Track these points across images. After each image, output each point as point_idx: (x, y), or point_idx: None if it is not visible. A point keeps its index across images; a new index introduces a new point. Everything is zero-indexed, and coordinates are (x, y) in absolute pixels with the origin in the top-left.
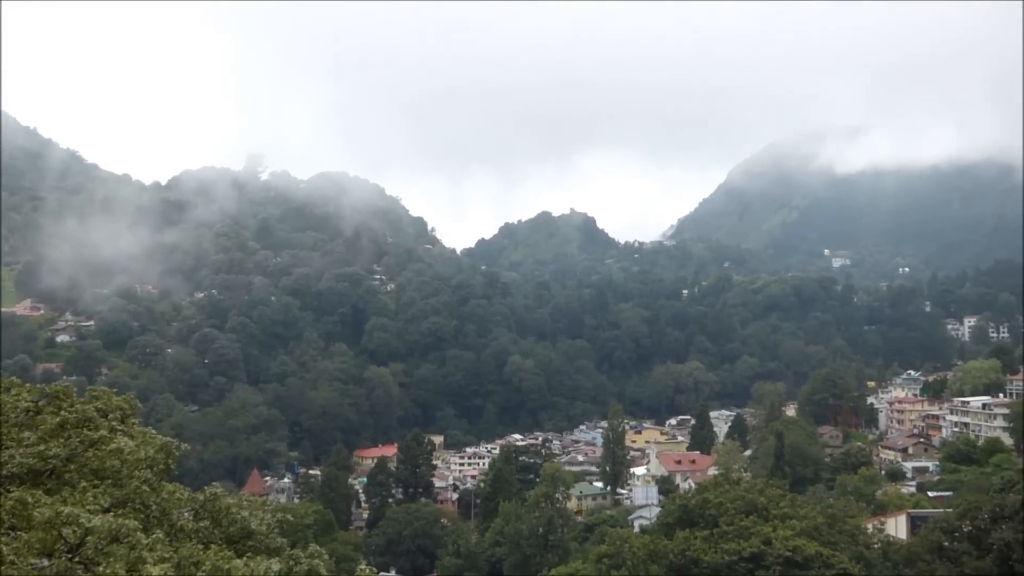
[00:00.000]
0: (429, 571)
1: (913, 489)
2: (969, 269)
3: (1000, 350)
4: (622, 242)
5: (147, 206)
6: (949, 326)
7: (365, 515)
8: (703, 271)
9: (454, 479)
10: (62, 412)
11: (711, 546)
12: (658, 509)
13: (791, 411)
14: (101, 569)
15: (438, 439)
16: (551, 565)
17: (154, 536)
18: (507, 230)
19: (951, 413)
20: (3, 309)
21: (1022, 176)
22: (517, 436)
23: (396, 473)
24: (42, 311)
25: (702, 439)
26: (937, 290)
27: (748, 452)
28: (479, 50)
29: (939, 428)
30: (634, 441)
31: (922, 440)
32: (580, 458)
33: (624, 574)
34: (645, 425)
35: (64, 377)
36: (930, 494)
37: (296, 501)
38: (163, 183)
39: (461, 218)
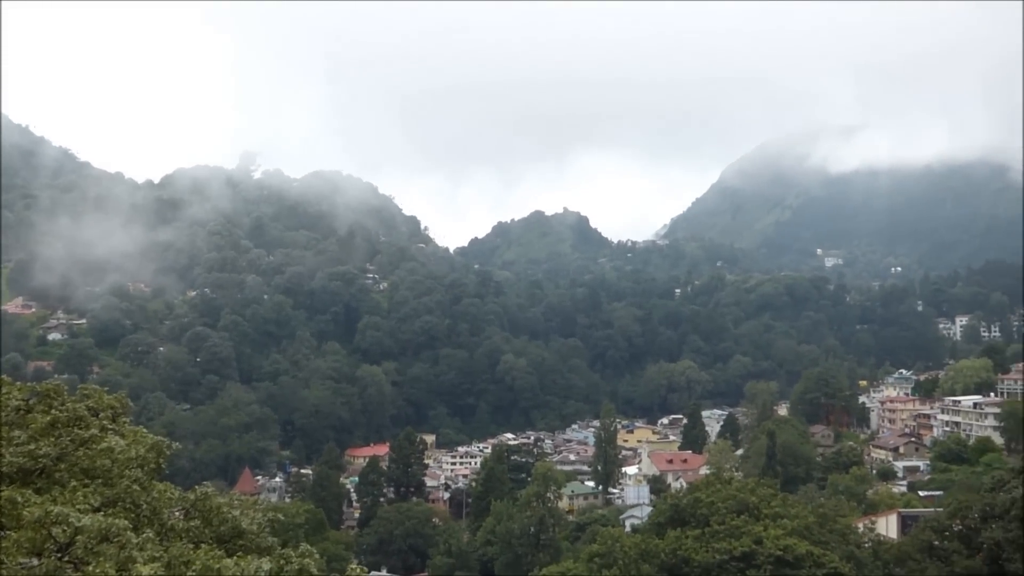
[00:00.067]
0: (420, 570)
1: (904, 488)
2: (961, 269)
3: (991, 349)
4: (615, 241)
5: (140, 204)
6: (941, 325)
7: (357, 514)
8: (696, 270)
9: (446, 478)
10: (53, 411)
11: (702, 545)
12: (649, 508)
13: (783, 410)
14: (91, 568)
15: (430, 438)
16: (542, 564)
17: (144, 535)
18: (500, 229)
19: (942, 412)
20: None
21: (1016, 176)
22: (509, 435)
23: (388, 472)
24: (34, 309)
25: (694, 438)
26: (929, 289)
27: (740, 451)
28: (475, 49)
29: (930, 427)
30: (626, 440)
31: (913, 439)
32: (572, 457)
33: (615, 573)
34: (637, 424)
35: (56, 375)
36: (921, 493)
37: (287, 500)
38: (156, 181)
39: (458, 217)
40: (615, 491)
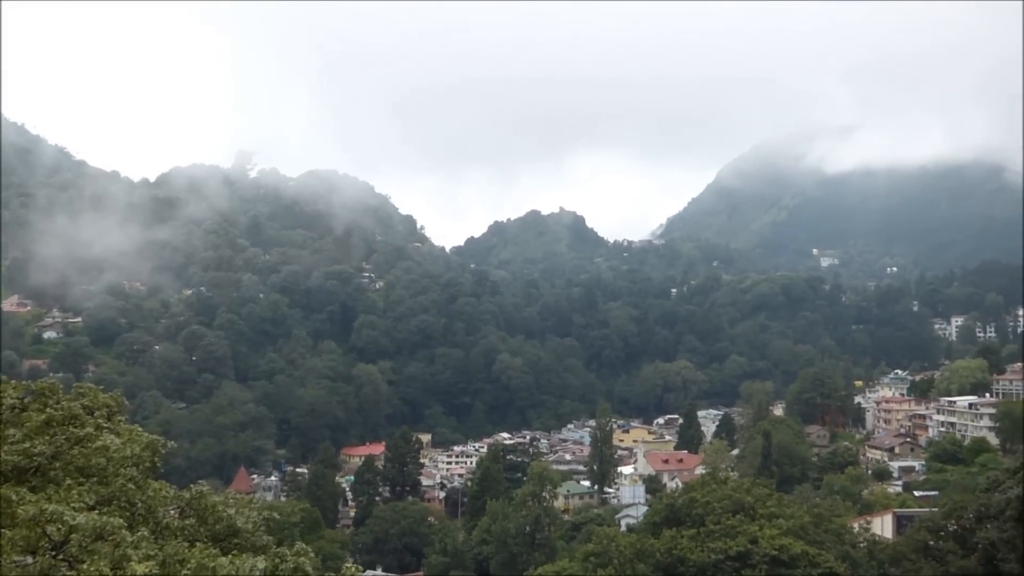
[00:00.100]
0: (416, 569)
1: (899, 488)
2: (957, 269)
3: (987, 350)
4: (611, 241)
5: (137, 203)
6: (936, 326)
7: (352, 513)
8: (692, 270)
9: (441, 477)
10: (48, 409)
11: (698, 545)
12: (645, 508)
13: (779, 410)
14: (85, 567)
15: (426, 437)
16: (538, 564)
17: (139, 534)
18: (496, 228)
19: (938, 413)
20: None
21: (1011, 176)
22: (505, 435)
23: (383, 471)
24: (29, 307)
25: (690, 438)
26: (925, 290)
27: (736, 451)
28: (472, 49)
29: (926, 428)
30: (622, 440)
31: (909, 440)
32: (568, 457)
33: (611, 573)
34: (633, 424)
35: (51, 374)
36: (916, 494)
37: (283, 499)
38: (152, 180)
39: (455, 217)
40: (611, 491)
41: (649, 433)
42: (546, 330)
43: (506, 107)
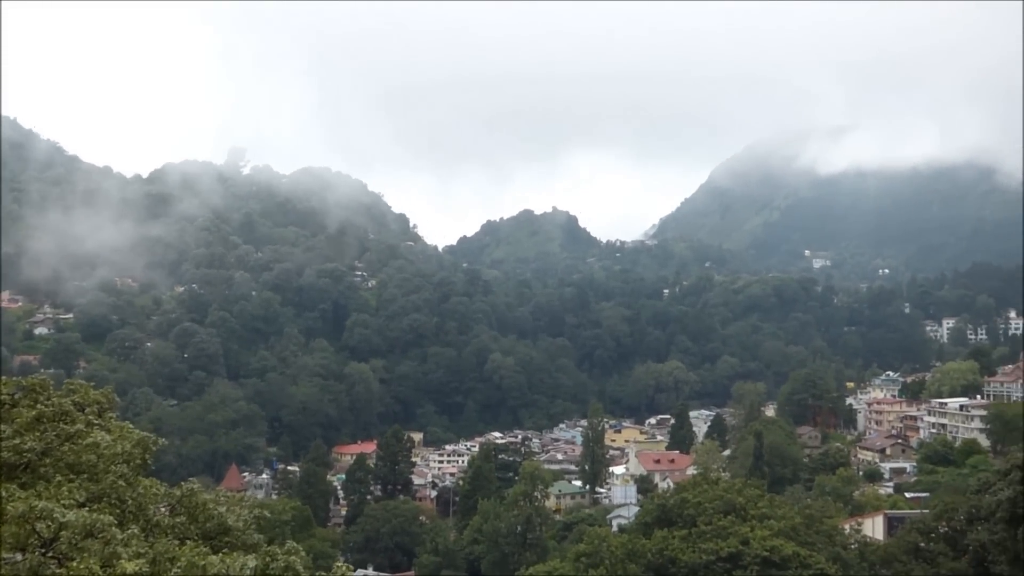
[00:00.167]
0: (407, 568)
1: (890, 490)
2: (948, 271)
3: (978, 352)
4: (604, 241)
5: (130, 199)
6: (928, 327)
7: (343, 512)
8: (684, 271)
9: (433, 476)
10: (38, 405)
11: (689, 546)
12: (636, 508)
13: (770, 411)
14: (75, 564)
15: (418, 436)
16: (529, 563)
17: (129, 531)
18: (489, 228)
19: (929, 414)
20: None
21: (1003, 178)
22: (497, 434)
23: (375, 470)
24: (20, 303)
25: (681, 438)
26: (916, 292)
27: (727, 452)
28: (465, 46)
29: (917, 429)
30: (613, 440)
31: (900, 441)
32: (559, 456)
33: (602, 573)
34: (625, 424)
35: (42, 370)
36: (907, 495)
37: (274, 497)
38: (144, 176)
39: (448, 215)
40: (602, 491)
41: (641, 433)
42: (538, 330)
43: (500, 106)
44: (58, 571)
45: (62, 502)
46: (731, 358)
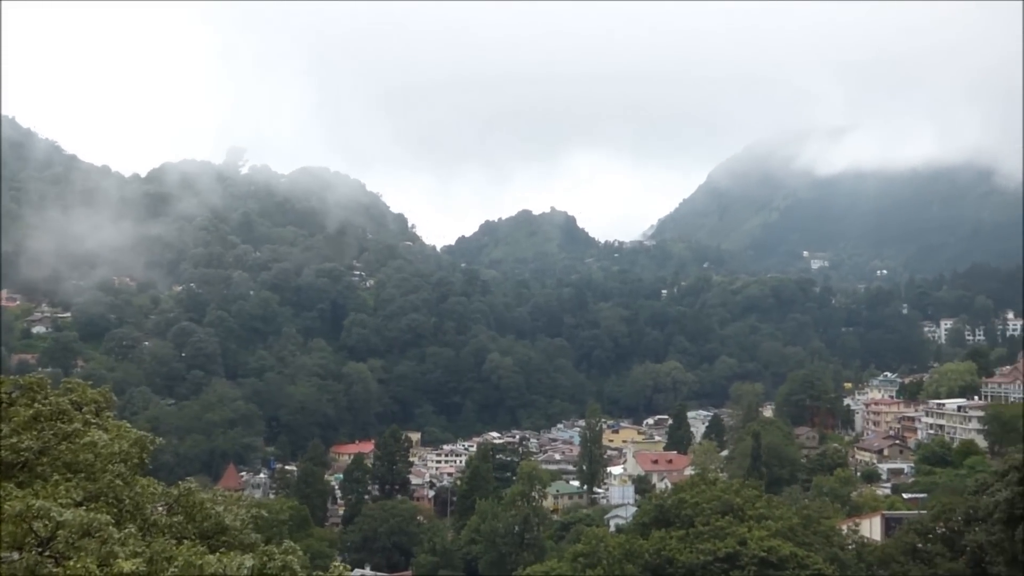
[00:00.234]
0: (404, 568)
1: (888, 491)
2: (946, 272)
3: (976, 353)
4: (602, 241)
5: (129, 198)
6: (926, 328)
7: (341, 511)
8: (683, 271)
9: (431, 476)
10: (36, 404)
11: (687, 546)
12: (634, 508)
13: (768, 412)
14: (72, 563)
15: (415, 436)
16: (527, 563)
17: (126, 530)
18: (488, 228)
19: (926, 415)
20: None
21: (1001, 180)
22: (495, 434)
23: (373, 470)
24: (18, 302)
25: (679, 439)
26: (914, 292)
27: (725, 452)
28: (465, 46)
29: (914, 430)
30: (611, 440)
31: (898, 442)
32: (557, 457)
33: (599, 573)
34: (622, 424)
35: (39, 369)
36: (905, 496)
37: (272, 497)
38: (142, 175)
39: (447, 215)
40: (600, 491)
41: (639, 433)
42: (536, 330)
43: (500, 106)
44: (55, 570)
45: (59, 501)
46: (729, 359)
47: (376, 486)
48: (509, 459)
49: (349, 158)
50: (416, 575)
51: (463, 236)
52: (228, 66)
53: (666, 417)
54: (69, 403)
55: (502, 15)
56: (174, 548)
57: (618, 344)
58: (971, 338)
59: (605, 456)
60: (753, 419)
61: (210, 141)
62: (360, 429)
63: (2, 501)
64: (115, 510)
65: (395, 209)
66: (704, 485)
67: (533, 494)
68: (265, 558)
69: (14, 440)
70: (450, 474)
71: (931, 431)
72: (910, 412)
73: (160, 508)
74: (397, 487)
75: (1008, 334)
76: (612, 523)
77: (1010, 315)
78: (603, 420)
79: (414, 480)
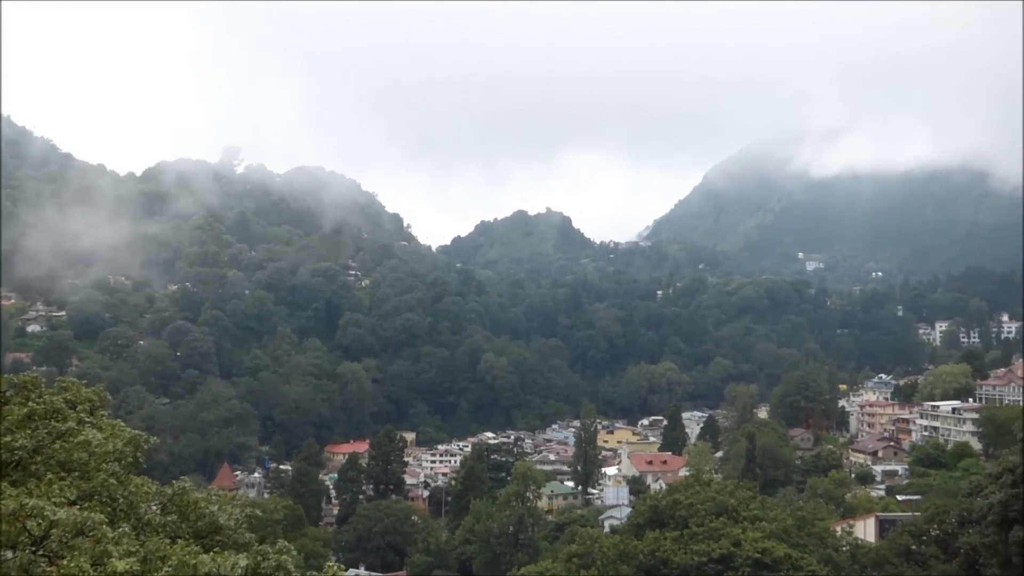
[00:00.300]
0: (399, 568)
1: (882, 492)
2: (941, 274)
3: (970, 355)
4: (598, 242)
5: (125, 197)
6: (920, 330)
7: (335, 511)
8: (678, 272)
9: (425, 476)
10: (30, 403)
11: (681, 547)
12: (629, 509)
13: (763, 413)
14: (66, 562)
15: (410, 436)
16: (521, 564)
17: (120, 530)
18: (483, 228)
19: (921, 417)
20: None
21: (996, 182)
22: (489, 434)
23: (367, 469)
24: (13, 300)
25: (674, 440)
26: (909, 295)
27: (719, 453)
28: (461, 46)
29: (909, 432)
30: (606, 441)
31: (892, 444)
32: (552, 457)
33: (594, 574)
34: (617, 425)
35: (34, 367)
36: (899, 498)
37: (266, 496)
38: (138, 174)
39: (443, 215)
40: (594, 492)
41: (633, 434)
42: (531, 330)
43: (498, 106)
44: (48, 569)
45: (53, 500)
46: (724, 360)
47: (371, 486)
48: (504, 459)
49: (346, 158)
50: (410, 575)
51: (458, 236)
52: (224, 64)
53: (661, 418)
54: (63, 402)
55: (501, 15)
56: (168, 547)
57: (613, 345)
58: (966, 340)
59: (600, 457)
60: (748, 420)
61: (206, 140)
62: (355, 429)
63: None
64: (109, 509)
65: (391, 209)
66: (699, 486)
67: (528, 494)
68: (259, 558)
69: (8, 439)
70: (445, 474)
71: (925, 433)
72: (905, 414)
73: (154, 507)
74: (391, 487)
75: (1003, 336)
76: (606, 524)
77: (1005, 317)
78: (598, 421)
79: (409, 480)
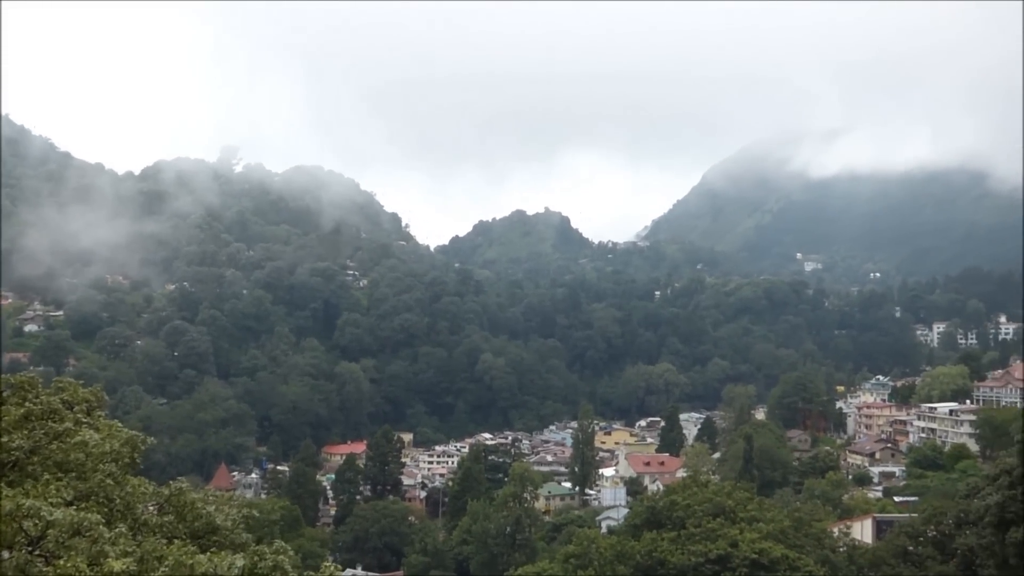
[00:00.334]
0: (396, 569)
1: (879, 494)
2: (939, 275)
3: (968, 356)
4: (596, 242)
5: (124, 196)
6: (918, 332)
7: (333, 512)
8: (676, 272)
9: (423, 477)
10: (27, 403)
11: (678, 548)
12: (626, 510)
13: (760, 414)
14: (62, 563)
15: (408, 436)
16: (518, 564)
17: (117, 530)
18: (482, 228)
19: (918, 419)
20: None
21: (995, 183)
22: (487, 435)
23: (365, 470)
24: (10, 300)
25: (671, 441)
26: (907, 296)
27: (717, 455)
28: (460, 45)
29: (906, 433)
30: (603, 442)
31: (889, 445)
32: (549, 458)
33: (591, 574)
34: (615, 426)
35: (31, 367)
36: (896, 499)
37: (263, 496)
38: (136, 173)
39: (442, 214)
40: (592, 492)
41: (631, 435)
42: (529, 330)
43: (498, 105)
44: (45, 569)
45: (50, 500)
46: (722, 360)
47: (368, 486)
48: (501, 460)
49: (345, 157)
50: (407, 575)
51: (457, 236)
52: (223, 63)
53: (658, 419)
54: (60, 402)
55: (501, 15)
56: (164, 548)
57: (611, 345)
58: (963, 342)
59: (597, 458)
60: (745, 421)
61: (205, 139)
62: (352, 429)
63: None
64: (106, 509)
65: (390, 209)
66: (696, 487)
67: (525, 495)
68: (256, 558)
69: (5, 439)
70: (442, 475)
71: (923, 434)
72: (902, 415)
73: (151, 508)
74: (389, 488)
75: (1000, 338)
76: (604, 524)
77: (1002, 319)
78: (595, 421)
79: (406, 481)
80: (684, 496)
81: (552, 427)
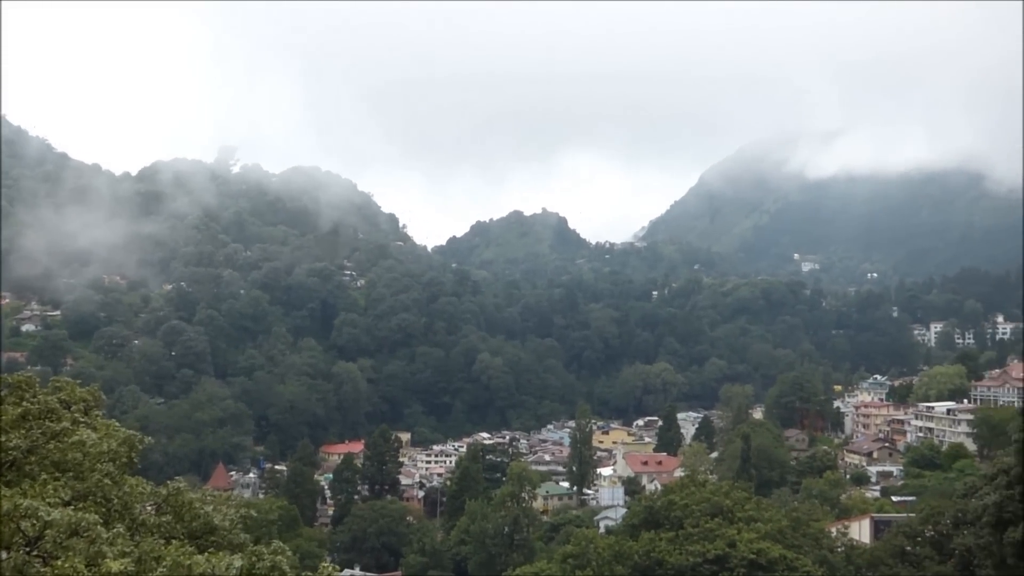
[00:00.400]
0: (394, 569)
1: (877, 493)
2: (936, 276)
3: (965, 356)
4: (593, 242)
5: (121, 196)
6: (916, 332)
7: (330, 512)
8: (673, 273)
9: (421, 477)
10: (24, 403)
11: (676, 547)
12: (624, 510)
13: (758, 414)
14: (60, 563)
15: (405, 436)
16: (516, 564)
17: (115, 530)
18: (479, 228)
19: (916, 418)
20: None
21: (991, 184)
22: (484, 435)
23: (362, 470)
24: (8, 300)
25: (669, 440)
26: (904, 296)
27: (715, 454)
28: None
29: (904, 433)
30: (601, 441)
31: (887, 445)
32: (547, 458)
33: (589, 574)
34: (612, 425)
35: (28, 367)
36: (894, 499)
37: (261, 496)
38: (134, 174)
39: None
40: (590, 492)
41: (629, 435)
42: (527, 330)
43: (496, 106)
44: (43, 570)
45: (47, 500)
46: (719, 360)
47: (366, 486)
48: (499, 460)
49: (344, 158)
50: (405, 575)
51: (454, 236)
52: (220, 64)
53: (656, 418)
54: (58, 402)
55: (501, 15)
56: (162, 548)
57: (608, 345)
58: (960, 341)
59: (595, 457)
60: (743, 421)
61: (202, 140)
62: (350, 429)
63: None
64: (103, 509)
65: (388, 209)
66: (694, 487)
67: (523, 495)
68: (254, 558)
69: (2, 439)
70: (440, 474)
71: (920, 434)
72: (899, 415)
73: (149, 508)
74: (387, 487)
75: (997, 338)
76: (602, 524)
77: (999, 319)
78: (593, 421)
79: (404, 480)
80: (682, 496)
81: (550, 427)
